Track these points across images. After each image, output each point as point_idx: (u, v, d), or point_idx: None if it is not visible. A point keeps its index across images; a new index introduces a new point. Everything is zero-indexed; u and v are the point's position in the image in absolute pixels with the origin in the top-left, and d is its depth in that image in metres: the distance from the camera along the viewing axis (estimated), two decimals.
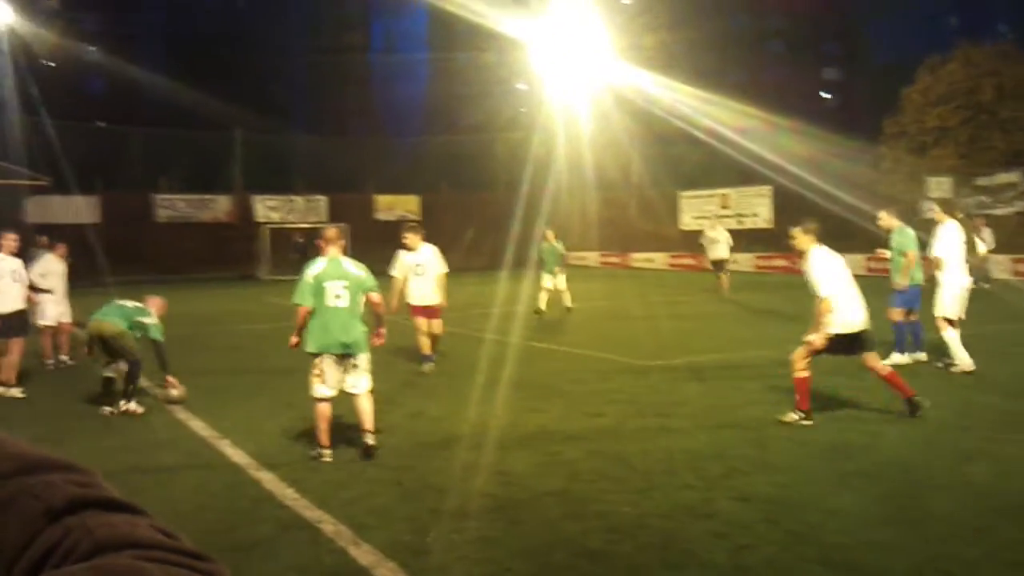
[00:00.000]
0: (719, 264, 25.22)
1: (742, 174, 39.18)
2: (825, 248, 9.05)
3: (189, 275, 37.40)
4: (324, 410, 7.84)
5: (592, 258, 45.89)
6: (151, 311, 10.63)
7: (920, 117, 35.53)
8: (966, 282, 11.64)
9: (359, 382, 7.95)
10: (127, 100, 57.87)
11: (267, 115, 55.66)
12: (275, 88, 74.50)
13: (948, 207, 12.16)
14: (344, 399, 8.07)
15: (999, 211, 31.99)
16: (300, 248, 37.84)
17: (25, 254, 15.93)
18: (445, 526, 6.02)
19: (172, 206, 42.91)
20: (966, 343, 11.49)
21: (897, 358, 11.84)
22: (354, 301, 7.97)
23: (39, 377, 12.87)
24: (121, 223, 39.39)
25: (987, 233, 26.26)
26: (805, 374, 8.78)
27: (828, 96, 73.65)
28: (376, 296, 8.33)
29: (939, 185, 33.05)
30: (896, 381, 8.98)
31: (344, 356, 7.89)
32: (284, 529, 6.06)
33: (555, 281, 19.85)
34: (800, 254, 9.17)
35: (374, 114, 78.18)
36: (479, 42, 58.99)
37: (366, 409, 7.94)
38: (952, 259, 11.52)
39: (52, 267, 14.02)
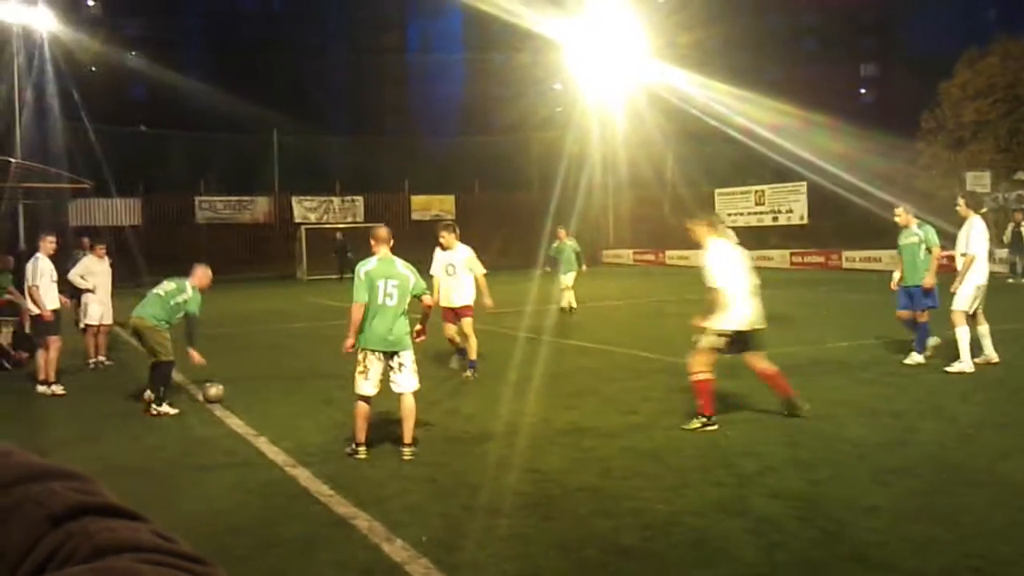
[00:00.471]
0: None
1: (777, 171, 38.96)
2: (724, 241, 8.86)
3: (228, 276, 37.68)
4: (363, 408, 7.89)
5: (626, 256, 45.81)
6: (190, 285, 10.56)
7: (958, 111, 35.13)
8: (985, 279, 11.28)
9: (405, 381, 7.97)
10: (167, 104, 58.57)
11: (305, 117, 56.07)
12: (313, 90, 74.99)
13: (974, 202, 11.84)
14: (386, 398, 8.15)
15: None
16: (340, 247, 37.99)
17: (68, 256, 16.26)
18: (478, 523, 6.07)
19: (211, 208, 43.42)
20: (1004, 338, 11.33)
21: (917, 358, 11.61)
22: (402, 301, 8.00)
23: (80, 376, 13.07)
24: (161, 225, 40.00)
25: None
26: (705, 376, 8.53)
27: (864, 92, 72.98)
28: (428, 299, 8.47)
29: (977, 180, 32.63)
30: (780, 382, 8.84)
31: (389, 354, 7.94)
32: (319, 525, 6.13)
33: (565, 279, 19.51)
34: (698, 245, 8.91)
35: (410, 115, 78.57)
36: (515, 42, 59.12)
37: (409, 415, 7.91)
38: (980, 255, 11.23)
39: (93, 267, 14.22)
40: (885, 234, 24.07)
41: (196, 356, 10.43)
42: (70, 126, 37.70)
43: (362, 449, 7.84)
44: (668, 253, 43.72)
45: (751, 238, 42.15)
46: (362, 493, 6.78)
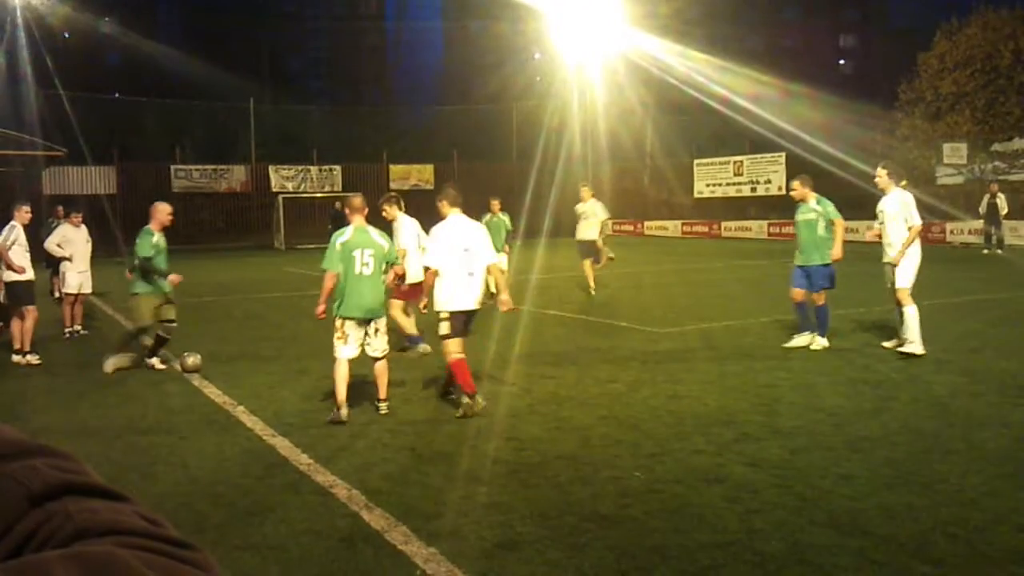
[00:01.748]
0: (587, 247, 18.96)
1: (756, 142, 39.01)
2: (461, 220, 8.45)
3: (206, 245, 37.60)
4: (343, 369, 8.07)
5: (606, 226, 45.91)
6: (146, 230, 10.79)
7: (936, 83, 35.25)
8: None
9: (380, 345, 8.27)
10: (143, 71, 57.97)
11: (282, 85, 55.69)
12: (290, 58, 74.39)
13: (897, 173, 10.96)
14: (360, 363, 8.25)
15: (1015, 177, 31.78)
16: (337, 216, 37.53)
17: (44, 225, 16.07)
18: (457, 491, 6.08)
19: (188, 176, 43.01)
20: (979, 308, 11.38)
21: (821, 342, 10.88)
22: (378, 269, 8.22)
23: (57, 345, 12.97)
24: (137, 194, 39.58)
25: (1002, 199, 26.15)
26: (459, 356, 8.22)
27: (843, 63, 72.99)
28: (400, 268, 8.76)
29: (955, 151, 32.82)
30: (462, 371, 8.30)
31: (367, 321, 8.16)
32: (298, 494, 6.13)
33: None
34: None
35: (389, 84, 78.17)
36: (494, 10, 58.78)
37: (383, 374, 8.25)
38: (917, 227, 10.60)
39: (69, 235, 14.05)
40: (862, 205, 24.14)
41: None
42: (44, 93, 37.25)
43: (344, 412, 7.95)
44: (647, 224, 43.80)
45: (730, 208, 42.42)
46: (341, 462, 6.78)
